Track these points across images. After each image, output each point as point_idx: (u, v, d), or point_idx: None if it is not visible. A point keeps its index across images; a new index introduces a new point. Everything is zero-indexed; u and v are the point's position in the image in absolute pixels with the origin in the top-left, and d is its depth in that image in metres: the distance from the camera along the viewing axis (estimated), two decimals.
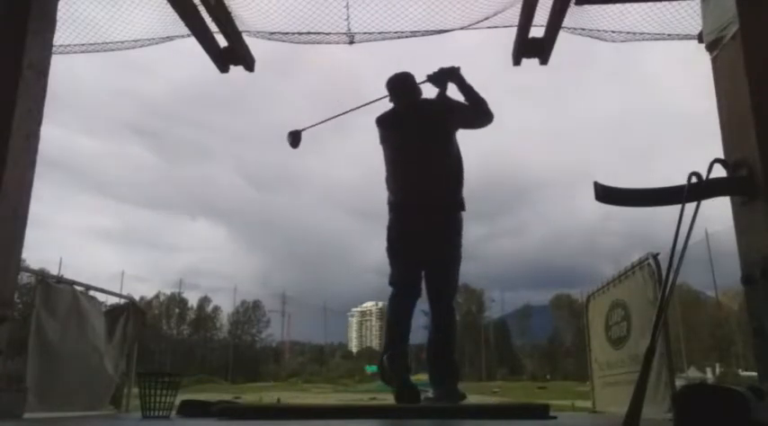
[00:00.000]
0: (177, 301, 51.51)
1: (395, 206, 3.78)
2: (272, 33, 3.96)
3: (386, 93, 3.97)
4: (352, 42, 3.98)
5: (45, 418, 3.80)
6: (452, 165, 3.78)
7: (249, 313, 54.16)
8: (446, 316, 3.68)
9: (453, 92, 3.88)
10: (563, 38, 3.78)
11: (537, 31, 3.83)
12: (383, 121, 3.92)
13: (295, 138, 4.06)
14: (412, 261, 3.70)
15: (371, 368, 48.44)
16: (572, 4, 3.42)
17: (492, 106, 3.79)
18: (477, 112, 3.81)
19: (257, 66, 4.21)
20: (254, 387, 33.38)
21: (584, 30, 3.86)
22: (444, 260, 3.71)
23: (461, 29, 4.00)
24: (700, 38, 3.33)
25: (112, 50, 3.95)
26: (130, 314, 5.30)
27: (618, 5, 3.59)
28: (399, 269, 3.72)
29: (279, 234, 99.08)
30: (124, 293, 5.81)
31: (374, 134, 3.98)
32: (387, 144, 3.89)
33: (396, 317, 3.66)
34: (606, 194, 2.09)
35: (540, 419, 2.83)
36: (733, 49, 2.12)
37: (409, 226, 3.71)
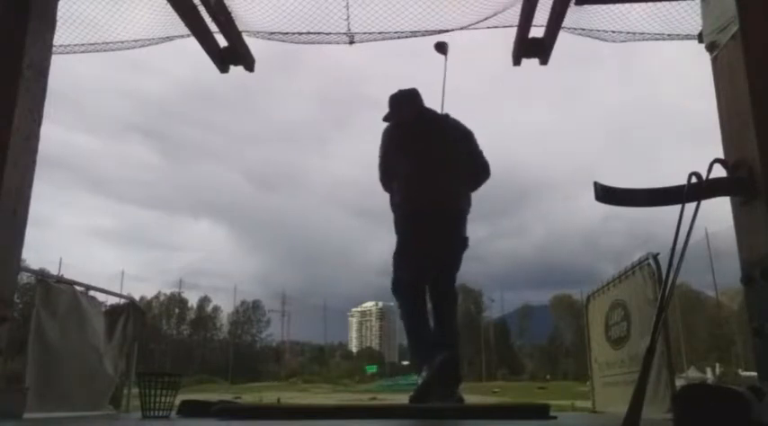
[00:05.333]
0: (177, 301, 51.48)
1: (405, 211, 3.79)
2: (272, 33, 3.96)
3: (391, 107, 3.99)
4: (352, 42, 3.98)
5: (45, 418, 3.80)
6: (462, 170, 3.83)
7: (249, 313, 54.14)
8: (450, 306, 3.77)
9: None
10: (563, 38, 3.79)
11: (537, 31, 3.83)
12: (392, 131, 3.94)
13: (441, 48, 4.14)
14: (422, 264, 3.73)
15: (371, 369, 48.52)
16: (572, 4, 3.42)
17: (490, 169, 3.98)
18: (477, 173, 3.95)
19: (258, 65, 4.21)
20: (254, 387, 33.35)
21: (584, 30, 3.86)
22: (452, 261, 3.79)
23: (461, 29, 4.00)
24: (700, 38, 3.33)
25: (112, 50, 3.96)
26: (130, 314, 5.29)
27: (618, 5, 3.59)
28: (410, 271, 3.75)
29: (279, 233, 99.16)
30: (124, 293, 5.82)
31: (377, 138, 3.99)
32: (396, 151, 3.90)
33: (416, 321, 3.66)
34: (606, 194, 2.09)
35: (540, 419, 2.82)
36: (733, 49, 2.12)
37: (420, 231, 3.72)
